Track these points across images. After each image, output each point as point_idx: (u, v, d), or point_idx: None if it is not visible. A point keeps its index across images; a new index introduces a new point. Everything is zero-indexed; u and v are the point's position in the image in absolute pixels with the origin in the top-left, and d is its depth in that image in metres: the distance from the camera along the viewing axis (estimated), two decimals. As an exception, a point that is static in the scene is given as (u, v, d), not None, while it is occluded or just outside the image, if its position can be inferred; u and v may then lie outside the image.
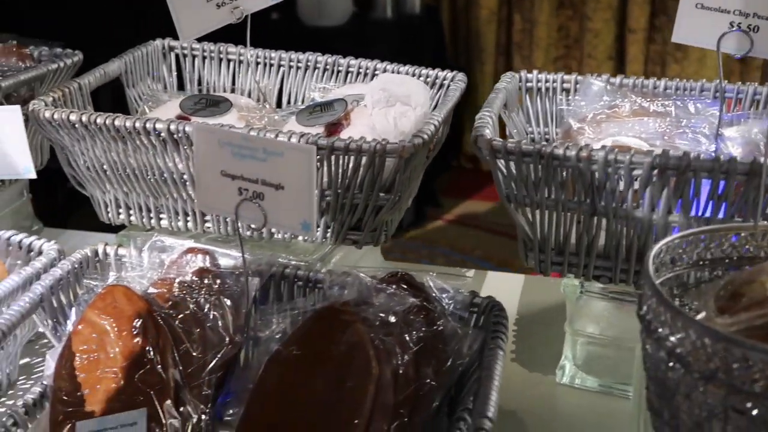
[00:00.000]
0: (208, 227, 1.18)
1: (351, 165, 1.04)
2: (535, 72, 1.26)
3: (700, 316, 0.76)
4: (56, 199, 3.29)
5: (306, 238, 1.14)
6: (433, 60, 4.19)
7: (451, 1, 4.42)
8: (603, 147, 0.93)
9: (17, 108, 1.12)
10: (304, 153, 0.86)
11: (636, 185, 0.95)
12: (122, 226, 1.26)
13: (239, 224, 0.95)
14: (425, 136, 1.04)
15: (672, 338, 0.71)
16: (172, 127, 1.07)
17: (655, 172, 0.92)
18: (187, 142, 1.08)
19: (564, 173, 0.96)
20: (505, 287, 1.35)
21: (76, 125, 1.11)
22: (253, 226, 0.93)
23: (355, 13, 3.79)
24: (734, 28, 1.05)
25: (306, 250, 1.21)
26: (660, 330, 0.73)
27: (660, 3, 4.05)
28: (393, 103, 1.13)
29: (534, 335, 1.21)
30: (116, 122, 1.09)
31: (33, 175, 1.15)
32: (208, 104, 1.22)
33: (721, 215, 0.95)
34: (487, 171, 4.43)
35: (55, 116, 1.11)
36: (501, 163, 0.98)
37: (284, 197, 0.89)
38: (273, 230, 1.13)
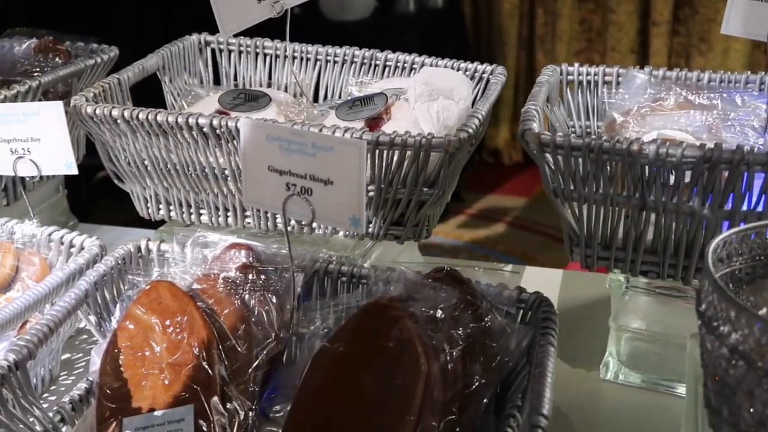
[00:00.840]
0: (249, 222, 1.17)
1: (395, 159, 1.04)
2: (576, 65, 1.24)
3: (761, 312, 0.75)
4: (80, 195, 3.31)
5: (349, 233, 1.14)
6: (455, 54, 4.17)
7: (473, -6, 4.41)
8: (654, 140, 0.92)
9: (60, 104, 1.12)
10: (355, 148, 0.85)
11: (687, 179, 0.94)
12: (161, 222, 1.26)
13: (285, 220, 0.94)
14: (470, 130, 1.03)
15: (735, 335, 0.70)
16: (215, 122, 1.07)
17: (707, 165, 0.91)
18: (229, 137, 1.08)
19: (613, 167, 0.95)
20: (544, 282, 1.33)
21: (118, 120, 1.11)
22: (300, 221, 0.92)
23: (378, 7, 3.78)
24: (786, 19, 1.03)
25: (346, 245, 1.20)
26: (722, 327, 0.71)
27: (684, -5, 4.02)
28: (436, 97, 1.12)
29: (576, 331, 1.20)
30: (158, 117, 1.09)
31: (75, 171, 1.15)
32: (247, 99, 1.22)
33: (773, 209, 0.94)
34: (509, 165, 4.41)
35: (97, 111, 1.11)
36: (549, 157, 0.97)
37: (333, 192, 0.89)
38: (318, 225, 1.12)
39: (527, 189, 4.17)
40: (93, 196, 3.43)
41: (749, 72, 1.21)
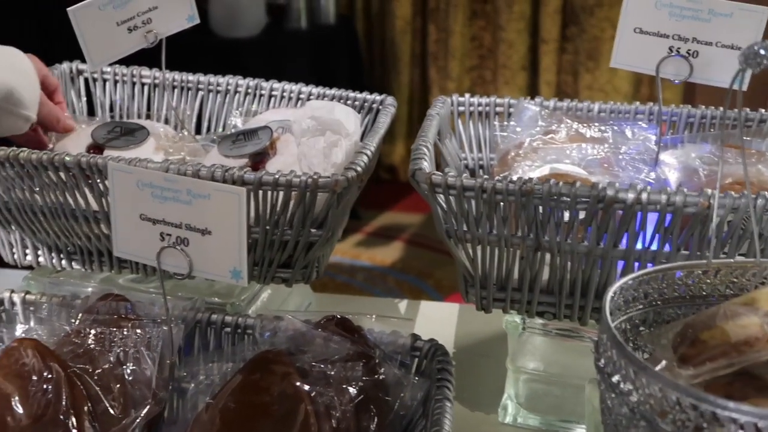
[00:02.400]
0: (125, 268, 1.09)
1: (280, 200, 0.98)
2: (467, 96, 1.21)
3: (661, 366, 0.72)
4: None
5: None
6: (348, 71, 4.10)
7: (366, 11, 4.39)
8: (547, 181, 0.89)
9: None
10: (234, 195, 0.79)
11: (581, 218, 0.91)
12: (29, 267, 1.16)
13: (160, 272, 0.87)
14: (359, 169, 0.98)
15: (636, 394, 0.67)
16: (83, 161, 0.98)
17: (601, 205, 0.89)
18: (100, 176, 0.99)
19: (507, 207, 0.92)
20: (440, 318, 1.30)
21: (-24, 161, 1.01)
22: (177, 274, 0.85)
23: (269, 24, 3.72)
24: (673, 53, 1.02)
25: (231, 290, 1.13)
26: (622, 384, 0.68)
27: (571, 14, 4.10)
28: (322, 132, 1.07)
29: (473, 371, 1.16)
30: (21, 156, 1.00)
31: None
32: (123, 133, 1.13)
33: (667, 248, 0.92)
34: (405, 182, 4.43)
35: (-50, 151, 1.01)
36: (440, 198, 0.93)
37: (211, 243, 0.82)
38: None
39: (423, 206, 4.16)
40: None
41: (638, 103, 1.20)
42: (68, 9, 1.03)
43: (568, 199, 0.89)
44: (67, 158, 0.99)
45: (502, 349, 1.14)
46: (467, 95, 1.21)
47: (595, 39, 4.04)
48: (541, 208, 0.90)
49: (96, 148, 1.14)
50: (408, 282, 3.60)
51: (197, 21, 1.13)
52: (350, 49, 3.98)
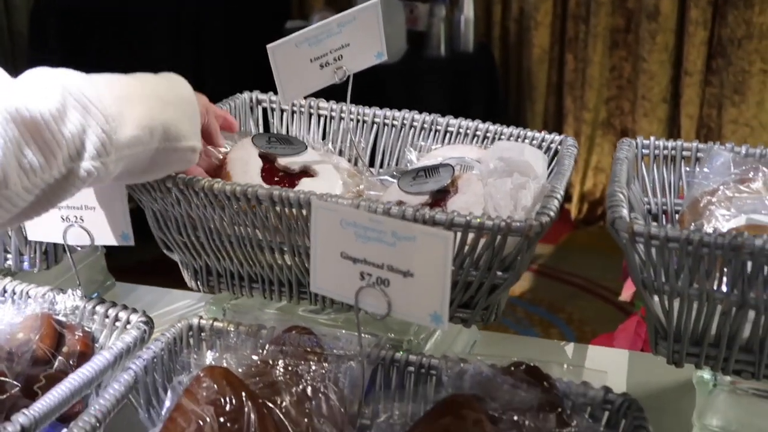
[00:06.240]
0: (304, 299, 1.10)
1: (469, 242, 0.97)
2: (652, 138, 1.18)
3: None
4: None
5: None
6: (486, 99, 4.08)
7: (503, 39, 4.37)
8: (761, 236, 0.84)
9: (112, 170, 1.05)
10: (441, 240, 0.79)
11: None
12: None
13: (357, 311, 0.86)
14: (551, 213, 0.96)
15: None
16: (275, 193, 1.00)
17: (818, 264, 0.84)
18: (289, 208, 1.01)
19: (711, 261, 0.88)
20: (608, 364, 1.25)
21: (172, 189, 1.04)
22: (374, 314, 0.85)
23: (409, 52, 3.75)
24: None
25: (407, 326, 1.13)
26: None
27: (717, 45, 3.97)
28: (510, 173, 1.05)
29: (654, 424, 1.12)
30: (215, 187, 1.02)
31: (131, 243, 1.08)
32: (281, 143, 1.14)
33: None
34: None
35: (150, 179, 1.04)
36: (641, 247, 0.90)
37: (413, 285, 0.82)
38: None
39: (553, 236, 4.09)
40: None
41: (838, 151, 1.14)
42: (268, 46, 1.05)
43: (782, 256, 0.84)
44: (260, 191, 1.00)
45: (681, 402, 1.10)
46: (652, 138, 1.18)
47: (742, 72, 3.89)
48: (750, 263, 0.86)
49: (264, 157, 1.14)
50: (538, 314, 3.54)
51: (385, 58, 1.13)
52: (488, 76, 3.97)
